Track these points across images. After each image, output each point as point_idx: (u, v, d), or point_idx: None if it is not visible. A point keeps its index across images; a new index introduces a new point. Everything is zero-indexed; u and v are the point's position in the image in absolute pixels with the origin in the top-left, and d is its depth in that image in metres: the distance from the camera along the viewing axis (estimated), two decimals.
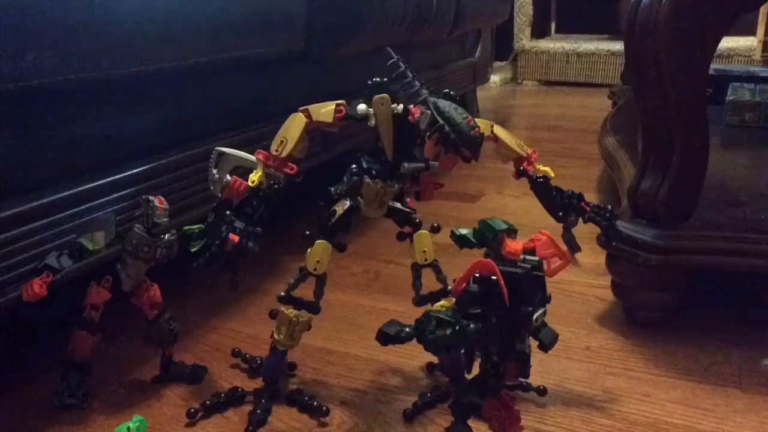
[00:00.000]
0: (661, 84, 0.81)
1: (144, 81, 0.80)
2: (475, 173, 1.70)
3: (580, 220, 0.73)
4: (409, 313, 0.93)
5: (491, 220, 0.64)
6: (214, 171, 0.71)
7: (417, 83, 0.63)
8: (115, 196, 0.77)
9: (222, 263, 0.68)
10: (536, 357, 0.58)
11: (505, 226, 0.63)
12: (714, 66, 1.93)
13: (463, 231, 0.66)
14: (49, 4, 0.62)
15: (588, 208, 0.72)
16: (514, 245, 0.61)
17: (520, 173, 0.71)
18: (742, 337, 0.86)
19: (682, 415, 0.72)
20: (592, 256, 1.15)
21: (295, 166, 0.68)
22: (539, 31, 3.55)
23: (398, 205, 0.71)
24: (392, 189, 0.67)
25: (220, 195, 0.70)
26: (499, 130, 0.70)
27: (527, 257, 0.58)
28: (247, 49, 0.93)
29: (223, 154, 0.71)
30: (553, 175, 0.72)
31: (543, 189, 0.71)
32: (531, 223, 1.34)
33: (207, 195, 0.92)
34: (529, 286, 0.56)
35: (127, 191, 0.78)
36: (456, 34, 1.81)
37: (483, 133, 0.62)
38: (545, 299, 0.57)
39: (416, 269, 0.74)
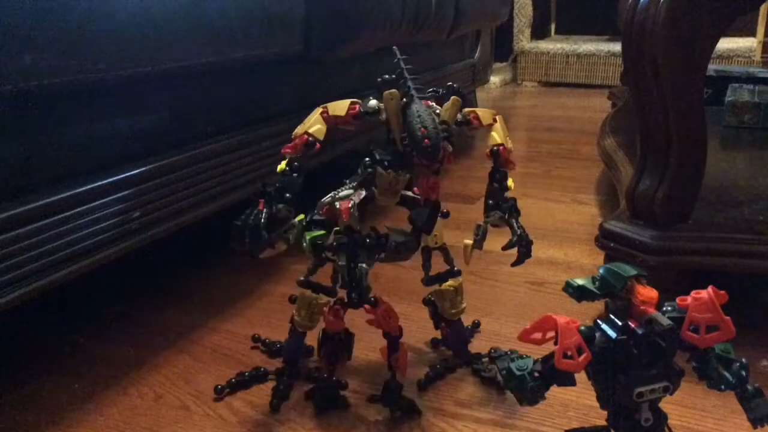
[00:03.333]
0: (658, 85, 0.81)
1: (142, 83, 0.80)
2: (474, 174, 1.70)
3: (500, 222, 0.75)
4: (408, 314, 0.93)
5: (616, 265, 0.51)
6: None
7: (409, 85, 0.66)
8: (113, 197, 0.77)
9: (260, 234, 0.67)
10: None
11: (634, 272, 0.50)
12: (713, 67, 1.94)
13: (581, 281, 0.51)
14: (47, 6, 0.62)
15: (514, 221, 0.74)
16: (648, 292, 0.50)
17: (492, 153, 0.73)
18: (741, 338, 0.86)
19: (679, 416, 0.72)
20: (590, 257, 1.16)
21: (309, 137, 0.69)
22: (539, 32, 3.55)
23: (409, 193, 0.74)
24: (404, 178, 0.71)
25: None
26: (500, 120, 0.74)
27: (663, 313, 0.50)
28: (245, 51, 0.93)
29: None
30: (512, 187, 0.75)
31: (497, 180, 0.74)
32: (530, 224, 1.33)
33: (207, 195, 0.93)
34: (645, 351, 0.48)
35: (125, 193, 0.78)
36: (455, 35, 1.81)
37: (435, 144, 0.64)
38: (670, 373, 0.50)
39: (426, 252, 0.78)
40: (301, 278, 0.75)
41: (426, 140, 0.63)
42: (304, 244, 0.69)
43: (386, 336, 0.74)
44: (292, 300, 0.78)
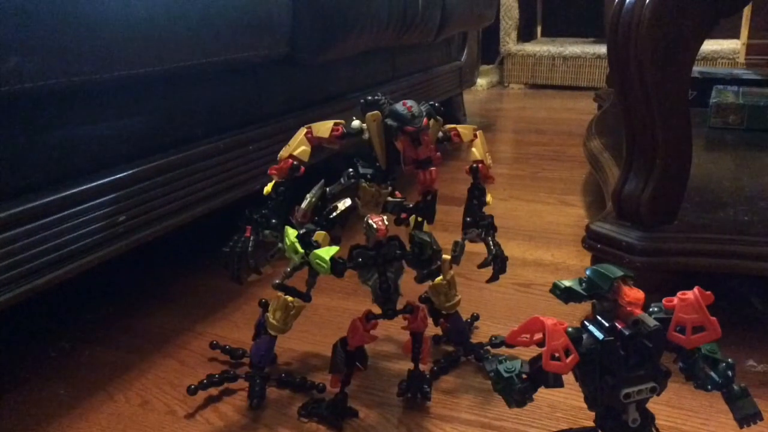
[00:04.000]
0: (643, 87, 0.82)
1: (128, 86, 0.80)
2: (462, 176, 1.70)
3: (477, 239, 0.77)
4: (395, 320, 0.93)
5: (603, 266, 0.51)
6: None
7: (380, 96, 0.69)
8: (99, 201, 0.76)
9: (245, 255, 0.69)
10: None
11: (620, 273, 0.50)
12: (698, 68, 1.95)
13: (568, 283, 0.51)
14: (32, 9, 0.62)
15: (491, 238, 0.76)
16: (635, 293, 0.50)
17: (472, 170, 0.76)
18: (727, 338, 0.87)
19: (667, 416, 0.73)
20: (577, 258, 1.16)
21: (293, 161, 0.70)
22: (525, 34, 3.56)
23: (392, 200, 0.75)
24: (386, 191, 0.73)
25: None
26: (480, 136, 0.76)
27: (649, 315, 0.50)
28: (231, 53, 0.93)
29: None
30: (491, 203, 0.77)
31: (476, 197, 0.76)
32: (517, 225, 1.35)
33: (196, 198, 0.92)
34: (635, 351, 0.49)
35: (111, 196, 0.78)
36: (442, 38, 1.81)
37: (417, 113, 0.66)
38: (657, 374, 0.50)
39: None
40: (277, 281, 0.74)
41: (409, 107, 0.66)
42: (288, 244, 0.68)
43: (413, 334, 0.75)
44: (263, 304, 0.79)
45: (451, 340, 0.87)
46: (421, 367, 0.76)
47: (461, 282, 0.83)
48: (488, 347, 0.85)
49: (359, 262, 0.68)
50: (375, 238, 0.68)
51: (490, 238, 0.75)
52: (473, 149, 0.75)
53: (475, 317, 0.93)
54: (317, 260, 0.65)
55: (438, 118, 0.70)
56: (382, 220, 0.67)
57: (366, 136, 0.70)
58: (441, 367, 0.82)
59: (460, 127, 0.75)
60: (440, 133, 0.73)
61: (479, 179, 0.76)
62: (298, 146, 0.69)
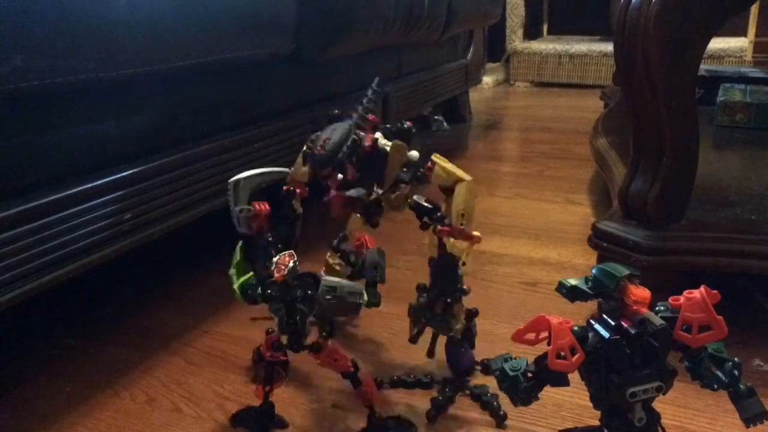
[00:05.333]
0: (651, 86, 0.81)
1: (132, 84, 0.80)
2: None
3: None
4: (400, 314, 0.93)
5: (609, 265, 0.51)
6: (235, 207, 0.67)
7: (357, 109, 0.68)
8: (104, 199, 0.76)
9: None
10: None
11: (626, 272, 0.50)
12: (705, 67, 1.94)
13: (574, 281, 0.51)
14: (34, 9, 0.62)
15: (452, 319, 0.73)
16: (641, 292, 0.49)
17: (436, 233, 0.71)
18: (734, 338, 0.86)
19: (673, 415, 0.72)
20: (583, 257, 1.16)
21: (301, 188, 0.71)
22: (531, 32, 3.56)
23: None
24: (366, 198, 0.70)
25: (245, 231, 0.67)
26: (463, 187, 0.69)
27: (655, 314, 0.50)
28: (236, 51, 0.93)
29: (237, 183, 0.67)
30: (468, 262, 0.73)
31: (444, 263, 0.72)
32: (523, 224, 1.34)
33: (199, 197, 0.92)
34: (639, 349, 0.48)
35: (116, 194, 0.78)
36: (448, 36, 1.81)
37: (325, 157, 0.64)
38: (663, 373, 0.49)
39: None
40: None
41: (319, 148, 0.64)
42: (234, 287, 0.65)
43: (343, 375, 0.68)
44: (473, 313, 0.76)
45: (449, 365, 0.80)
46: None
47: (466, 281, 0.83)
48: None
49: (267, 295, 0.63)
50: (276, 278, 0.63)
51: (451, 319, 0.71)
52: (454, 200, 0.68)
53: (474, 313, 0.90)
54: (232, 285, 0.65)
55: (399, 144, 0.67)
56: (285, 265, 0.62)
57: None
58: (438, 405, 0.74)
59: (439, 169, 0.68)
60: (414, 168, 0.68)
61: (444, 251, 0.69)
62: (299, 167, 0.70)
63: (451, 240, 0.70)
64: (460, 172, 0.69)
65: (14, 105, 0.66)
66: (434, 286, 0.72)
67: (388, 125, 0.70)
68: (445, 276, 0.71)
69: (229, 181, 0.68)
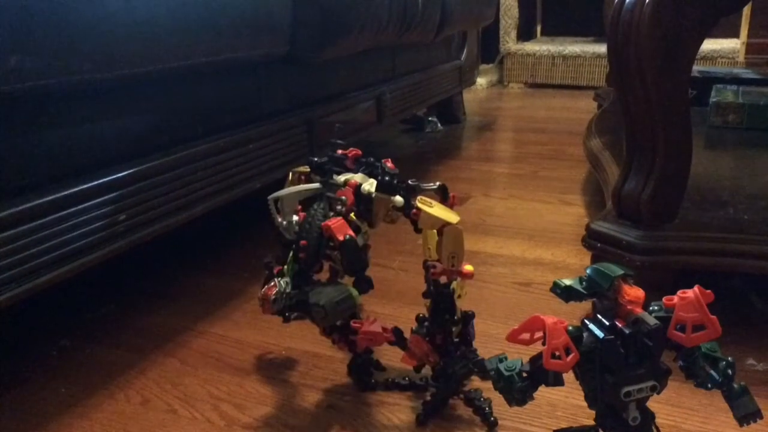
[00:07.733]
0: (644, 86, 0.82)
1: (128, 85, 0.80)
2: (462, 176, 1.71)
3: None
4: (396, 315, 0.93)
5: (603, 265, 0.51)
6: (280, 219, 0.72)
7: (327, 180, 0.71)
8: (99, 200, 0.76)
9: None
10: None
11: (620, 271, 0.50)
12: (697, 68, 1.95)
13: (568, 282, 0.51)
14: (32, 9, 0.62)
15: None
16: (635, 292, 0.50)
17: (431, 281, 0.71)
18: (727, 337, 0.87)
19: (667, 415, 0.73)
20: (577, 257, 1.16)
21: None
22: (525, 33, 3.56)
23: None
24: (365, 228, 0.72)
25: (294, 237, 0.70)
26: (448, 233, 0.69)
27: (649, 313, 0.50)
28: (231, 52, 0.93)
29: (278, 199, 0.72)
30: (463, 295, 0.75)
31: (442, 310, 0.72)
32: (517, 225, 1.35)
33: (197, 196, 0.92)
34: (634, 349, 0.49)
35: (112, 195, 0.78)
36: (442, 37, 1.81)
37: (309, 256, 0.68)
38: (657, 372, 0.49)
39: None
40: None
41: (301, 254, 0.67)
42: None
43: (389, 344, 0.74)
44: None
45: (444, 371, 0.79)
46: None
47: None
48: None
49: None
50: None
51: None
52: (441, 242, 0.69)
53: (471, 315, 0.90)
54: None
55: (381, 196, 0.68)
56: (273, 293, 0.69)
57: None
58: (427, 410, 0.74)
59: (430, 214, 0.67)
60: (402, 211, 0.69)
61: (439, 286, 0.70)
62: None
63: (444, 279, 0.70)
64: (445, 216, 0.68)
65: (11, 105, 0.66)
66: (433, 321, 0.72)
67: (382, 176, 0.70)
68: (443, 311, 0.71)
69: (268, 198, 0.73)
